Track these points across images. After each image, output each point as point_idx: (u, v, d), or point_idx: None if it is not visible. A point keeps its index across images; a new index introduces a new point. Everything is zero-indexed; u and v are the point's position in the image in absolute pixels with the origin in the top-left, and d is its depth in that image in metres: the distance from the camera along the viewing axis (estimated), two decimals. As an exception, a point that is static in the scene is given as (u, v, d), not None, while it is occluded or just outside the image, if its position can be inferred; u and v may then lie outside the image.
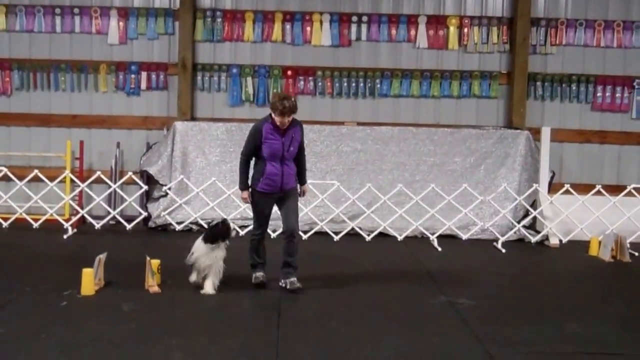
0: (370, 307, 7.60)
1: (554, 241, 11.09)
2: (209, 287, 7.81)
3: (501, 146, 11.71)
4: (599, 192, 11.13)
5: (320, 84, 12.41)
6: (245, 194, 8.15)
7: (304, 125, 11.48)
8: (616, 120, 12.37)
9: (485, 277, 9.13)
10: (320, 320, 7.03)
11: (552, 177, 11.60)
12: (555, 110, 12.34)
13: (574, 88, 12.33)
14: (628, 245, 10.41)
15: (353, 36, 12.42)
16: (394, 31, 12.41)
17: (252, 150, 8.04)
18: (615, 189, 11.46)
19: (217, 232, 7.90)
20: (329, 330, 6.69)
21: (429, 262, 9.84)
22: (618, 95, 12.32)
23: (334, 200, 11.22)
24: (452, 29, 12.40)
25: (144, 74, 12.35)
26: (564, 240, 11.11)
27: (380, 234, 11.16)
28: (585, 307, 7.89)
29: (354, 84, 12.42)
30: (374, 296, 8.03)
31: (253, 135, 7.99)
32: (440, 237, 11.01)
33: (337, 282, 8.57)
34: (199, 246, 7.91)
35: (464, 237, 11.16)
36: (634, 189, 11.22)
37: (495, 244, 10.91)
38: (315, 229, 11.07)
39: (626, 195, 11.23)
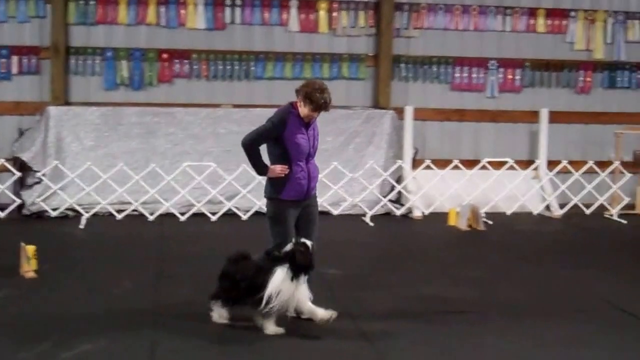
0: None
1: (417, 213, 11.88)
2: (325, 313, 6.41)
3: (368, 125, 12.31)
4: (456, 167, 12.00)
5: (195, 67, 12.65)
6: (276, 167, 6.67)
7: (180, 109, 12.00)
8: (473, 99, 13.21)
9: (354, 248, 9.78)
10: (196, 297, 7.36)
11: (415, 154, 12.36)
12: (418, 91, 13.05)
13: (434, 69, 13.09)
14: (483, 215, 11.33)
15: (227, 19, 12.71)
16: (267, 15, 12.79)
17: (264, 142, 6.75)
18: (472, 163, 12.27)
19: (306, 262, 6.36)
20: (203, 307, 7.02)
21: (302, 237, 10.39)
22: (474, 75, 13.15)
23: (211, 181, 11.54)
24: (322, 13, 12.89)
25: (15, 58, 12.18)
26: (426, 212, 11.89)
27: (257, 212, 11.56)
28: (443, 271, 8.67)
29: (229, 67, 12.74)
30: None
31: (275, 126, 6.65)
32: (313, 213, 11.57)
33: (214, 260, 8.92)
34: (285, 285, 6.28)
35: (335, 212, 11.76)
36: (488, 162, 12.13)
37: (363, 218, 11.58)
38: (193, 210, 11.40)
39: (481, 168, 12.13)
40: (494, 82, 13.21)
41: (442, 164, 12.17)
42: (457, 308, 7.26)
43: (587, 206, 12.39)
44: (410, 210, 11.93)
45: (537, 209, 12.36)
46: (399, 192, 12.11)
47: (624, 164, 12.53)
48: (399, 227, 11.39)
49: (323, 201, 11.63)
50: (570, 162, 12.47)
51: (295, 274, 6.29)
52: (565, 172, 12.43)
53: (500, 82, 13.24)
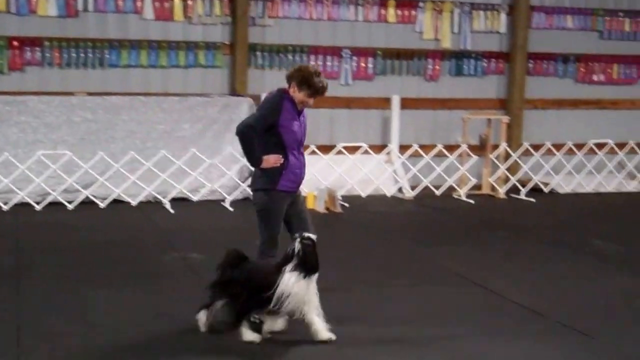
0: (107, 267, 8.04)
1: (276, 198, 12.10)
2: (325, 331, 5.95)
3: (226, 112, 12.38)
4: (313, 152, 12.31)
5: (48, 54, 12.35)
6: (270, 157, 6.27)
7: (32, 97, 11.70)
8: (328, 87, 13.51)
9: (214, 233, 9.87)
10: (61, 284, 7.35)
11: (273, 140, 12.57)
12: (274, 78, 13.11)
13: (290, 57, 13.32)
14: (339, 198, 11.69)
15: (80, 6, 12.45)
16: (120, 2, 12.61)
17: (261, 128, 6.24)
18: (328, 149, 12.62)
19: (316, 258, 5.95)
20: (70, 294, 7.06)
21: (163, 224, 10.42)
22: (329, 63, 13.49)
23: (66, 170, 11.32)
24: (176, 1, 12.83)
25: None
26: (285, 197, 12.14)
27: (115, 200, 11.48)
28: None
29: (82, 55, 12.50)
30: (110, 257, 8.47)
31: (272, 111, 6.27)
32: (173, 200, 11.58)
33: (75, 248, 8.88)
34: (297, 284, 5.81)
35: (195, 198, 11.82)
36: (343, 147, 12.52)
37: (223, 203, 11.69)
38: (49, 199, 11.16)
39: (337, 153, 12.49)
40: (348, 70, 13.59)
41: (299, 149, 12.45)
42: (323, 286, 7.49)
43: (437, 187, 13.00)
44: (269, 195, 12.13)
45: (390, 191, 12.88)
46: (258, 178, 12.26)
47: (471, 147, 13.21)
48: (259, 211, 11.56)
49: (182, 187, 11.70)
50: (421, 146, 13.03)
51: (307, 273, 5.83)
52: (416, 155, 12.98)
53: (354, 70, 13.64)
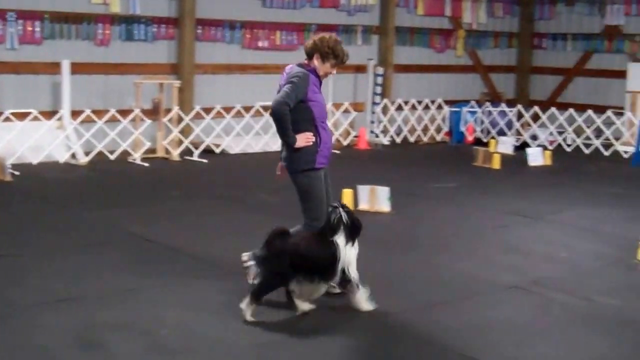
0: None
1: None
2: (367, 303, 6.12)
3: None
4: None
5: None
6: (301, 136, 6.16)
7: None
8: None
9: None
10: None
11: None
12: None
13: (-54, 20, 12.46)
14: (9, 166, 11.33)
15: None
16: None
17: (293, 102, 6.09)
18: (-5, 116, 12.20)
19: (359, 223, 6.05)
20: None
21: None
22: (-8, 27, 12.87)
23: None
24: None
25: None
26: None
27: None
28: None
29: None
30: None
31: (301, 85, 6.13)
32: None
33: None
34: (350, 251, 5.97)
35: None
36: (11, 114, 12.14)
37: None
38: None
39: (4, 120, 12.11)
40: (14, 34, 13.02)
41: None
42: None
43: (112, 152, 13.11)
44: None
45: (63, 157, 12.73)
46: None
47: (144, 111, 13.46)
48: None
49: None
50: (94, 111, 13.03)
51: (353, 239, 5.96)
52: (89, 121, 12.95)
53: (19, 34, 13.11)
